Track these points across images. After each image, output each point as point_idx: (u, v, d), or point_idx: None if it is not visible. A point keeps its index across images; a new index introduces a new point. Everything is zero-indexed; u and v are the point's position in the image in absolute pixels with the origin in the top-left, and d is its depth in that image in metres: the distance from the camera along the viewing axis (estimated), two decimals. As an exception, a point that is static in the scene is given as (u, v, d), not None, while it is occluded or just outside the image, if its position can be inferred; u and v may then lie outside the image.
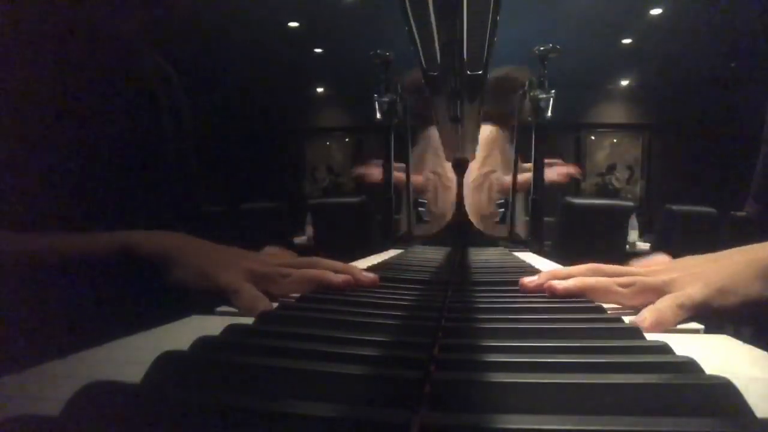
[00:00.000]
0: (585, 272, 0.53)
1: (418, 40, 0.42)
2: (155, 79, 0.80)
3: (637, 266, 0.57)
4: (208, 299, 0.51)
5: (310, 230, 3.96)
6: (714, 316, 0.47)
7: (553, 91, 1.93)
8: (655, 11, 4.39)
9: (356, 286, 0.55)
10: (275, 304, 0.48)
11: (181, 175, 0.83)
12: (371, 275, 0.56)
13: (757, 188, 0.86)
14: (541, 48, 1.95)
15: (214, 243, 0.57)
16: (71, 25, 0.67)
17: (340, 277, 0.54)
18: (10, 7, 0.61)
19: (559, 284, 0.52)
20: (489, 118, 2.37)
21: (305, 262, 0.58)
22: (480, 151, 2.13)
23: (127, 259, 0.52)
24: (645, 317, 0.45)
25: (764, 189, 0.85)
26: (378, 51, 1.94)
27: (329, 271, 0.55)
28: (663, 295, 0.47)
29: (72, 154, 0.61)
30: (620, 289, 0.51)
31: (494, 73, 2.35)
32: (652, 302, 0.47)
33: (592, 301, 0.49)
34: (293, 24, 4.83)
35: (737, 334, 0.38)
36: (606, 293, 0.51)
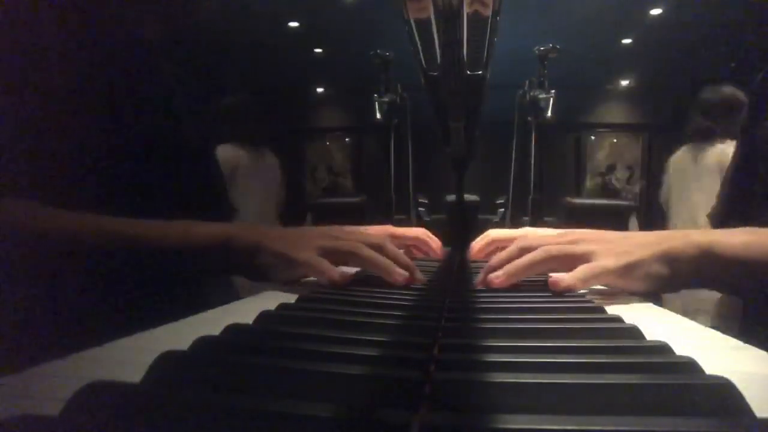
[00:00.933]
0: (517, 253, 0.58)
1: (418, 40, 0.42)
2: (173, 85, 0.80)
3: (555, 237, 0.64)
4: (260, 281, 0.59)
5: (309, 230, 3.97)
6: (621, 286, 0.56)
7: (553, 91, 1.93)
8: (655, 11, 4.40)
9: (410, 283, 0.59)
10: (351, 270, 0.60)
11: (206, 178, 0.84)
12: (421, 277, 0.61)
13: (723, 203, 0.89)
14: (541, 48, 1.96)
15: (289, 228, 0.66)
16: (95, 30, 0.68)
17: (398, 276, 0.57)
18: (32, 7, 0.62)
19: (497, 278, 0.56)
20: (735, 135, 2.49)
21: (375, 242, 0.61)
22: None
23: (225, 249, 0.58)
24: (563, 279, 0.54)
25: (729, 203, 0.88)
26: (378, 51, 1.94)
27: (392, 263, 0.59)
28: (581, 263, 0.55)
29: (91, 156, 0.62)
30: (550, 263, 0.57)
31: (718, 93, 2.43)
32: (569, 267, 0.55)
33: (592, 301, 0.49)
34: (293, 24, 4.84)
35: (740, 335, 0.38)
36: (538, 268, 0.57)
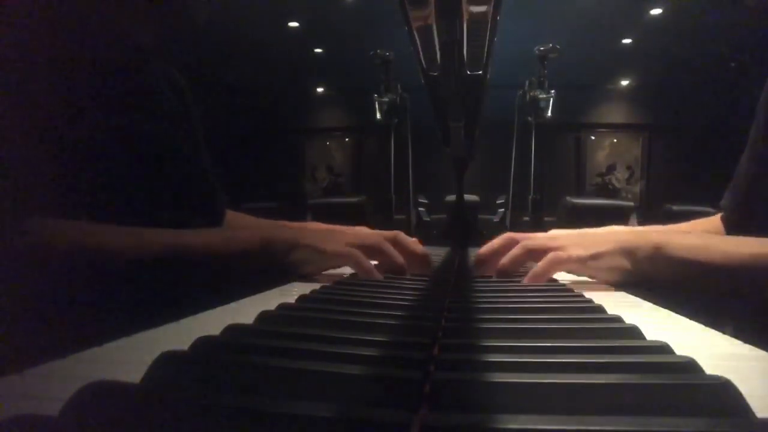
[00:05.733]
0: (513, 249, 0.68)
1: (418, 41, 0.42)
2: (167, 88, 0.80)
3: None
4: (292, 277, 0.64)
5: (309, 230, 3.98)
6: (589, 273, 0.65)
7: (553, 91, 1.94)
8: (655, 11, 4.40)
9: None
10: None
11: (197, 180, 0.84)
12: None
13: (734, 183, 0.91)
14: (541, 48, 1.96)
15: (317, 224, 0.76)
16: (87, 33, 0.68)
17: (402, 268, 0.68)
18: (27, 11, 0.62)
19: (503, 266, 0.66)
20: None
21: (390, 236, 0.70)
22: None
23: (264, 250, 0.63)
24: (534, 269, 0.62)
25: (739, 184, 0.90)
26: (378, 51, 1.94)
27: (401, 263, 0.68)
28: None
29: (83, 161, 0.62)
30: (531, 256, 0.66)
31: None
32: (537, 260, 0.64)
33: (592, 301, 0.49)
34: (293, 24, 4.84)
35: (738, 333, 0.38)
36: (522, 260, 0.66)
